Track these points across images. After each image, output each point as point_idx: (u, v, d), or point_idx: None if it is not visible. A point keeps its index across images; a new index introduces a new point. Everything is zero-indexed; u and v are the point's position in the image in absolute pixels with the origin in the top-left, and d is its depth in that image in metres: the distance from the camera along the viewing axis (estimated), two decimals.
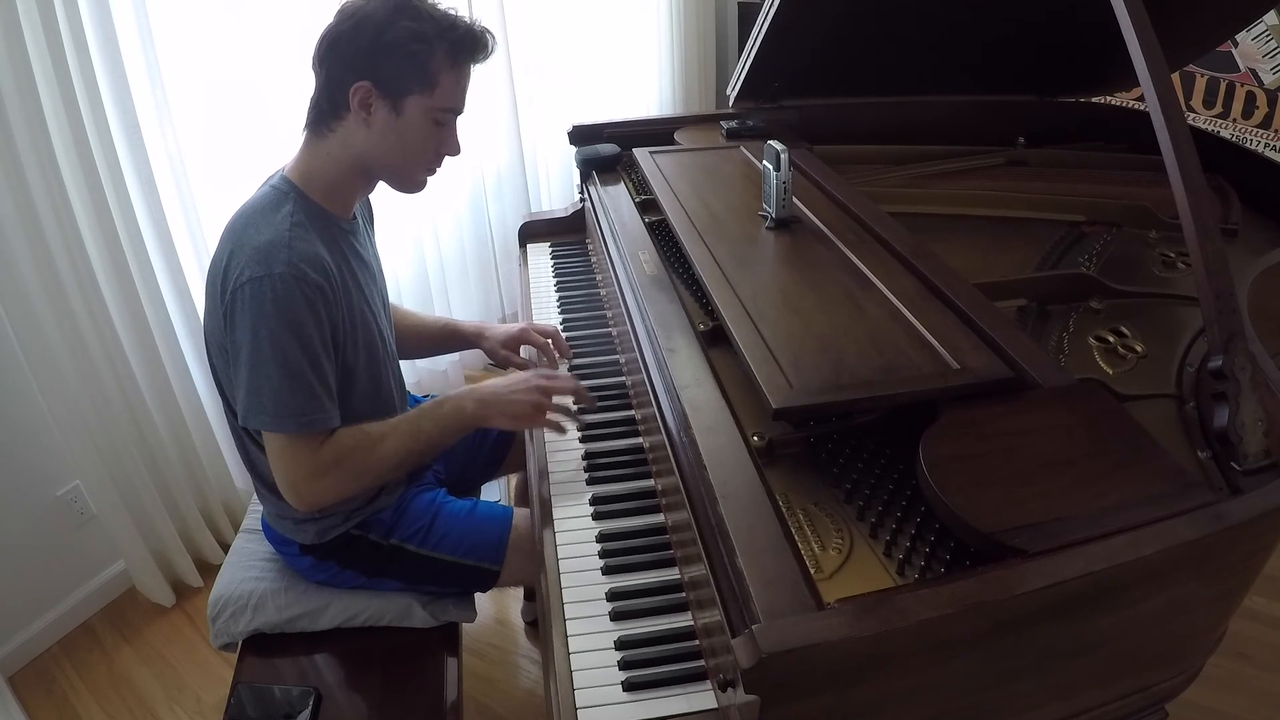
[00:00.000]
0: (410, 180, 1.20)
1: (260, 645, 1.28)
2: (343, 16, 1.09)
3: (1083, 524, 0.77)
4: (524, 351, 1.51)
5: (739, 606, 0.77)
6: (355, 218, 1.24)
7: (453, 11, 1.13)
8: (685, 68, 3.30)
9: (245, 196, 1.19)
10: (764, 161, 1.32)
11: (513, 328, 1.51)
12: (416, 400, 1.54)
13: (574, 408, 1.26)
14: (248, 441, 1.22)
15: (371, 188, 1.24)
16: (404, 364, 2.51)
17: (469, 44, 1.13)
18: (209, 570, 2.05)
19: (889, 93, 1.88)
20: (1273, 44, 2.62)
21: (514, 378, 1.24)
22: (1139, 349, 1.15)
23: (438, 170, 1.21)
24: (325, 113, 1.13)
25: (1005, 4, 1.59)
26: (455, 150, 1.19)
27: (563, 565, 1.04)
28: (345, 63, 1.09)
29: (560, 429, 1.23)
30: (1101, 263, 1.38)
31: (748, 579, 0.76)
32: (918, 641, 0.71)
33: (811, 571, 0.80)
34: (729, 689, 0.76)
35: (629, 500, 1.13)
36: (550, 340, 1.47)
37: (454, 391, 1.24)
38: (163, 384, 1.89)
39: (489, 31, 1.16)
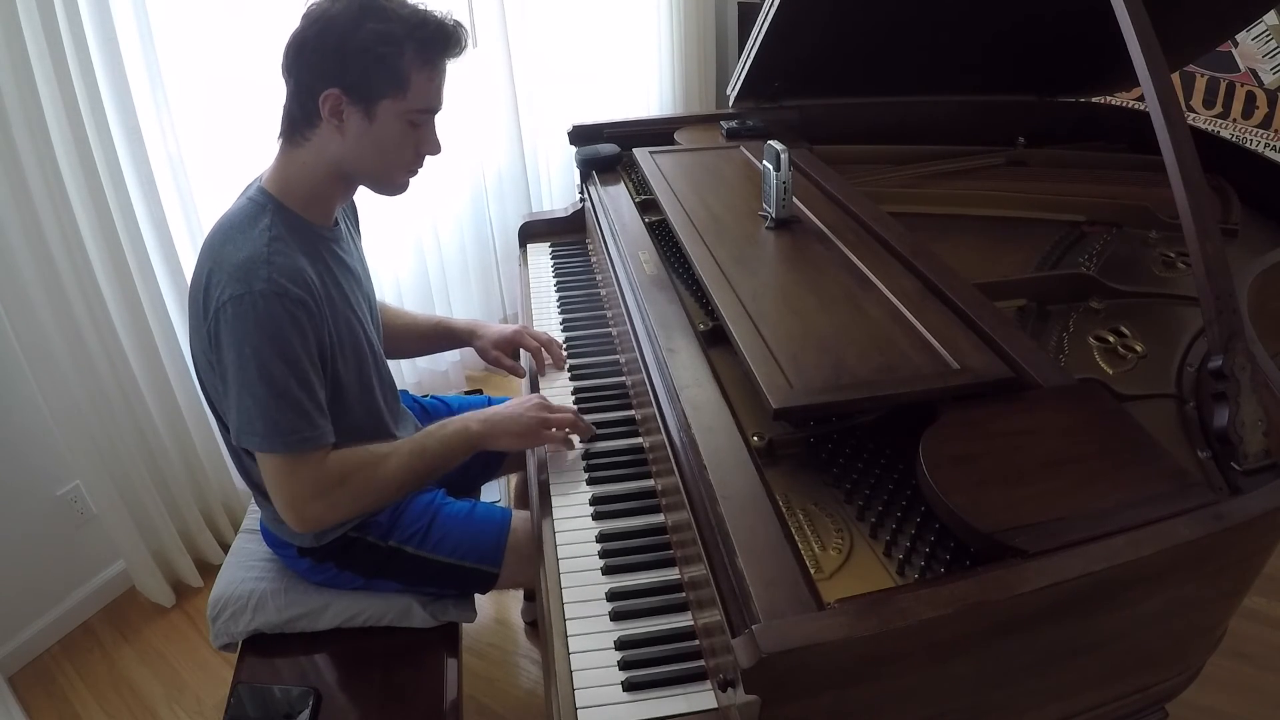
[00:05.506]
0: (390, 184, 1.17)
1: (260, 645, 1.28)
2: (308, 21, 1.05)
3: (1083, 524, 0.77)
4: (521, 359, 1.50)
5: (739, 606, 0.77)
6: (337, 223, 1.22)
7: (422, 7, 1.08)
8: (685, 68, 3.30)
9: None
10: (764, 161, 1.32)
11: (506, 329, 1.50)
12: (414, 399, 1.54)
13: (576, 441, 1.25)
14: (241, 452, 1.22)
15: (352, 192, 1.22)
16: (404, 363, 2.54)
17: (440, 40, 1.08)
18: (209, 570, 2.05)
19: (889, 93, 1.88)
20: (1273, 44, 2.62)
21: (516, 400, 1.26)
22: (1139, 349, 1.15)
23: (419, 171, 1.18)
24: (298, 121, 1.09)
25: (1005, 4, 1.59)
26: (435, 149, 1.16)
27: (563, 565, 1.04)
28: (313, 70, 1.05)
29: (568, 444, 1.24)
30: (1101, 263, 1.38)
31: (748, 579, 0.76)
32: (918, 641, 0.71)
33: (811, 571, 0.80)
34: (729, 689, 0.76)
35: (629, 500, 1.13)
36: (543, 348, 1.45)
37: (459, 415, 1.24)
38: (163, 384, 1.89)
39: (461, 25, 1.11)
